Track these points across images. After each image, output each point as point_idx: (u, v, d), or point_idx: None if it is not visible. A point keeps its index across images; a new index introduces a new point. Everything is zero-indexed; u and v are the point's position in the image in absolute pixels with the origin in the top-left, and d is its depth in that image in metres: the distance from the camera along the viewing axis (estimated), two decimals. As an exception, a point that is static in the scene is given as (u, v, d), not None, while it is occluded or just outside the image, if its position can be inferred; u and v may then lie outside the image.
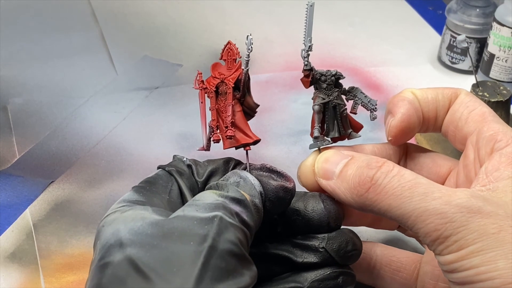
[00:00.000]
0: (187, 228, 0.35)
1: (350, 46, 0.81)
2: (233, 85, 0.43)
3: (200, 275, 0.33)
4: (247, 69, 0.42)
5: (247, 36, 0.42)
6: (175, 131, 0.66)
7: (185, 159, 0.44)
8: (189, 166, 0.43)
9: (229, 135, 0.42)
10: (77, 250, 0.53)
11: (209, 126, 0.43)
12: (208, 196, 0.38)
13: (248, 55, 0.42)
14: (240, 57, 0.43)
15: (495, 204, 0.36)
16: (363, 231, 0.55)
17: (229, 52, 0.44)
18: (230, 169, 0.44)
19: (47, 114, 0.67)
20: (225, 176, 0.41)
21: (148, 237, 0.35)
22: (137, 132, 0.65)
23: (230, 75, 0.43)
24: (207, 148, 0.44)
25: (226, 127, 0.42)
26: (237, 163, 0.44)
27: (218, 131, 0.43)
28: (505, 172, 0.38)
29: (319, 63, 0.79)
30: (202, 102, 0.44)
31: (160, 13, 0.86)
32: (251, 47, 0.42)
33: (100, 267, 0.35)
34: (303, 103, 0.70)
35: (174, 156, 0.44)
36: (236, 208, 0.37)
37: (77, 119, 0.67)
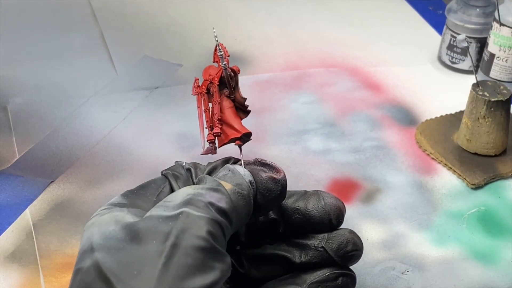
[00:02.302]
0: (152, 228, 0.35)
1: (350, 46, 0.81)
2: (217, 83, 0.43)
3: (161, 275, 0.33)
4: (224, 64, 0.42)
5: (213, 31, 0.43)
6: (175, 131, 0.66)
7: (184, 163, 0.44)
8: (188, 170, 0.43)
9: (215, 133, 0.42)
10: (77, 250, 0.52)
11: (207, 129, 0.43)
12: (180, 194, 0.37)
13: (219, 49, 0.42)
14: (229, 55, 0.43)
15: None
16: (363, 231, 0.55)
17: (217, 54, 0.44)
18: None
19: (47, 114, 0.67)
20: (218, 171, 0.41)
21: (117, 241, 0.35)
22: (137, 132, 0.65)
23: (216, 74, 0.43)
24: (213, 151, 0.44)
25: (211, 125, 0.43)
26: (236, 161, 0.44)
27: (213, 131, 0.43)
28: None
29: (319, 63, 0.79)
30: (199, 107, 0.44)
31: (160, 13, 0.86)
32: (216, 40, 0.42)
33: (74, 272, 0.35)
34: (303, 103, 0.70)
35: (176, 162, 0.44)
36: (213, 196, 0.37)
37: (77, 119, 0.67)
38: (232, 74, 0.43)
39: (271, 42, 0.81)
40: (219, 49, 0.42)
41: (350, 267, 0.43)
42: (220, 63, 0.43)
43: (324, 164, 0.62)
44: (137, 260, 0.34)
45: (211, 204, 0.36)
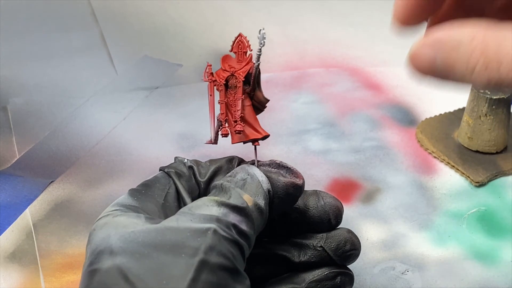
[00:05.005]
0: (179, 240, 0.35)
1: (350, 46, 0.81)
2: (243, 79, 0.42)
3: None
4: (258, 64, 0.42)
5: (260, 30, 0.42)
6: (175, 131, 0.66)
7: (186, 160, 0.43)
8: (190, 167, 0.43)
9: (238, 130, 0.42)
10: (77, 250, 0.53)
11: (218, 120, 0.43)
12: (205, 205, 0.37)
13: (260, 49, 0.42)
14: (251, 50, 0.43)
15: None
16: (363, 231, 0.55)
17: (239, 45, 0.43)
18: (235, 167, 0.43)
19: (47, 114, 0.67)
20: (232, 171, 0.41)
21: (139, 245, 0.34)
22: (137, 132, 0.65)
23: (241, 69, 0.43)
24: (215, 141, 0.44)
25: (235, 121, 0.42)
26: (240, 161, 0.44)
27: (227, 125, 0.42)
28: None
29: (319, 63, 0.79)
30: (211, 95, 0.43)
31: (160, 13, 0.86)
32: (264, 42, 0.42)
33: (89, 272, 0.35)
34: (303, 103, 0.70)
35: (176, 158, 0.44)
36: (236, 218, 0.37)
37: (77, 119, 0.67)
38: (258, 73, 0.43)
39: (271, 42, 0.81)
40: (259, 49, 0.42)
41: (348, 266, 0.44)
42: (254, 61, 0.42)
43: (324, 164, 0.62)
44: (165, 269, 0.34)
45: (234, 226, 0.36)
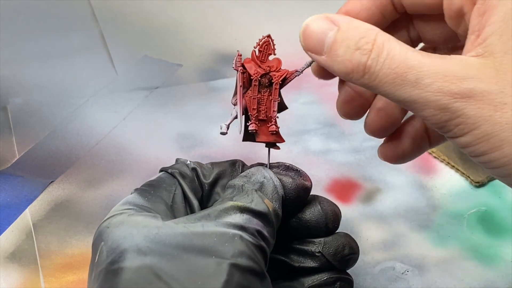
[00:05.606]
0: (207, 244, 0.35)
1: (350, 46, 0.81)
2: (280, 82, 0.43)
3: None
4: (302, 71, 0.43)
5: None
6: (175, 131, 0.66)
7: (188, 162, 0.43)
8: (193, 169, 0.43)
9: (273, 131, 0.42)
10: (77, 250, 0.53)
11: (249, 114, 0.43)
12: (228, 214, 0.37)
13: (311, 62, 0.43)
14: (275, 54, 0.43)
15: (488, 77, 0.32)
16: (363, 231, 0.55)
17: (266, 46, 0.44)
18: (240, 171, 0.43)
19: (47, 114, 0.67)
20: (247, 172, 0.41)
21: (168, 247, 0.34)
22: (137, 132, 0.65)
23: (278, 72, 0.43)
24: (223, 134, 0.43)
25: (265, 121, 0.42)
26: (243, 165, 0.44)
27: (254, 120, 0.42)
28: (493, 17, 0.33)
29: (319, 63, 0.79)
30: (241, 85, 0.43)
31: (160, 13, 0.86)
32: None
33: (112, 271, 0.34)
34: (303, 103, 0.70)
35: (177, 160, 0.44)
36: (259, 223, 0.37)
37: (77, 119, 0.67)
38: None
39: (271, 42, 0.81)
40: (310, 62, 0.43)
41: (348, 270, 0.44)
42: (299, 71, 0.43)
43: (324, 164, 0.62)
44: (198, 270, 0.34)
45: (258, 231, 0.37)
